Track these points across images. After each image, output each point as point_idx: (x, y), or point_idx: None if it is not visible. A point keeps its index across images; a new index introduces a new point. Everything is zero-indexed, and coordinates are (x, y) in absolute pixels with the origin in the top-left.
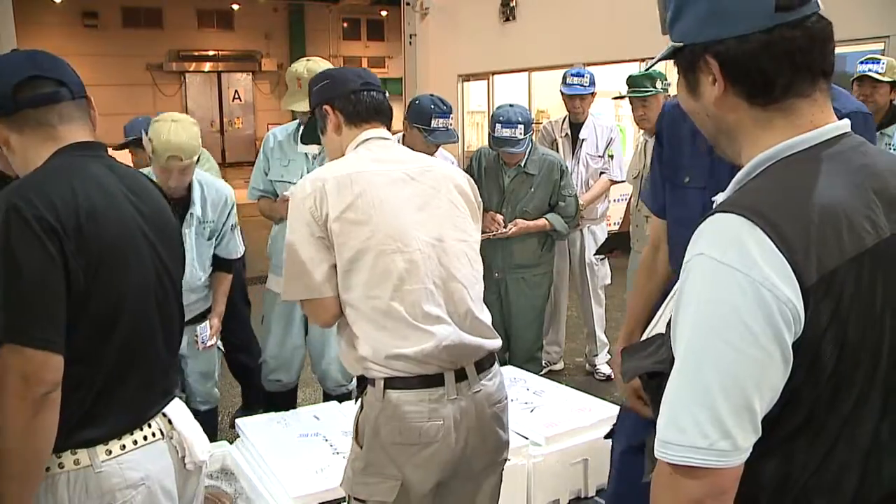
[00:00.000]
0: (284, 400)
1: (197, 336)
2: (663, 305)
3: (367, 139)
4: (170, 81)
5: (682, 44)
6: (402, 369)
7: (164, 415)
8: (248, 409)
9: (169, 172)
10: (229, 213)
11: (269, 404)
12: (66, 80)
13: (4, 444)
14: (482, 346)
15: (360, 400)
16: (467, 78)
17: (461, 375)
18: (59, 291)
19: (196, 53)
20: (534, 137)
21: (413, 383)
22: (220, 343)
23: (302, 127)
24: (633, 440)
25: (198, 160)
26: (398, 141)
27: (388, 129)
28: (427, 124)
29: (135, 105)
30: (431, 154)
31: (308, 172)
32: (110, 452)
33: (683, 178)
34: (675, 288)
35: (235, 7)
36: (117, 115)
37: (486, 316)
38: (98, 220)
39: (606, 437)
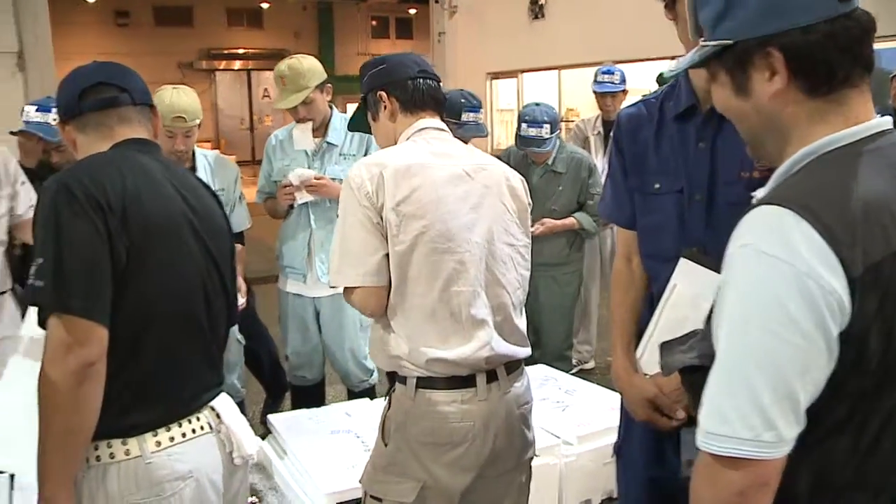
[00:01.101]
0: (312, 396)
1: None
2: (657, 311)
3: (424, 128)
4: (200, 79)
5: (731, 41)
6: (438, 371)
7: (213, 408)
8: (275, 402)
9: (174, 136)
10: (236, 183)
11: (296, 400)
12: (128, 87)
13: (48, 414)
14: (514, 353)
15: (388, 397)
16: (496, 76)
17: (492, 376)
18: (104, 265)
19: (226, 52)
20: (562, 136)
21: (446, 384)
22: (239, 335)
23: (296, 125)
24: (644, 472)
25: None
26: None
27: (442, 118)
28: (457, 118)
29: None
30: None
31: (308, 169)
32: (160, 444)
33: (653, 185)
34: (667, 291)
35: (265, 6)
36: None
37: (522, 323)
38: (143, 204)
39: (614, 451)
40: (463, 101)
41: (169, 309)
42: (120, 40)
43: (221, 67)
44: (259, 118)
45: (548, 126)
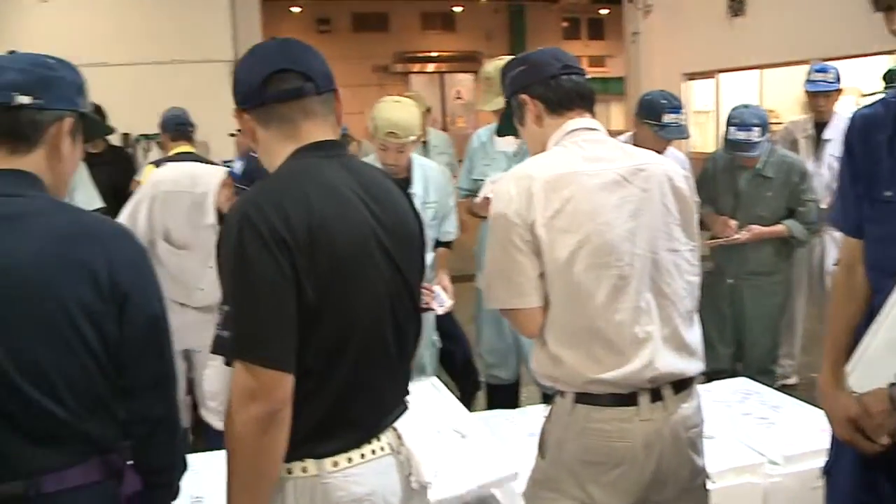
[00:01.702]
0: (506, 396)
1: (434, 300)
2: (875, 326)
3: (574, 130)
4: (395, 82)
5: None
6: (596, 390)
7: (395, 429)
8: (467, 400)
9: (386, 150)
10: (451, 194)
11: (490, 399)
12: (313, 73)
13: (234, 459)
14: (683, 370)
15: (549, 408)
16: (692, 76)
17: (656, 395)
18: (290, 308)
19: (420, 55)
20: (771, 139)
21: (605, 400)
22: (436, 338)
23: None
24: (853, 498)
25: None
26: (630, 139)
27: (593, 115)
28: (658, 119)
29: (362, 104)
30: (661, 151)
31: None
32: (337, 464)
33: (883, 192)
34: (888, 306)
35: (457, 9)
36: (346, 113)
37: (693, 334)
38: (330, 233)
39: (823, 472)
40: (664, 101)
41: (358, 337)
42: (321, 46)
43: (415, 70)
44: (451, 119)
45: (757, 129)
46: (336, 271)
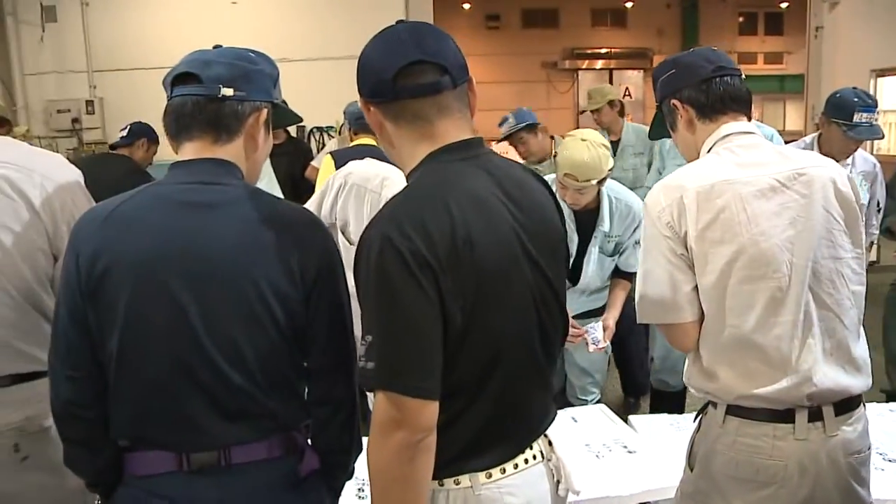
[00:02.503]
0: (672, 402)
1: (587, 335)
2: None
3: (728, 135)
4: (563, 79)
5: None
6: (749, 404)
7: (546, 435)
8: (634, 401)
9: (565, 189)
10: (635, 229)
11: (655, 403)
12: (448, 65)
13: (380, 489)
14: (847, 388)
15: (699, 418)
16: (882, 73)
17: (816, 415)
18: (436, 335)
19: (589, 51)
20: None
21: (758, 414)
22: (609, 347)
23: None
24: None
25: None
26: (815, 140)
27: (749, 117)
28: (848, 119)
29: (528, 101)
30: (851, 152)
31: None
32: (490, 476)
33: None
34: None
35: (629, 5)
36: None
37: (860, 348)
38: (476, 248)
39: None
40: (856, 99)
41: (507, 351)
42: (489, 42)
43: (584, 67)
44: None
45: None
46: (482, 287)
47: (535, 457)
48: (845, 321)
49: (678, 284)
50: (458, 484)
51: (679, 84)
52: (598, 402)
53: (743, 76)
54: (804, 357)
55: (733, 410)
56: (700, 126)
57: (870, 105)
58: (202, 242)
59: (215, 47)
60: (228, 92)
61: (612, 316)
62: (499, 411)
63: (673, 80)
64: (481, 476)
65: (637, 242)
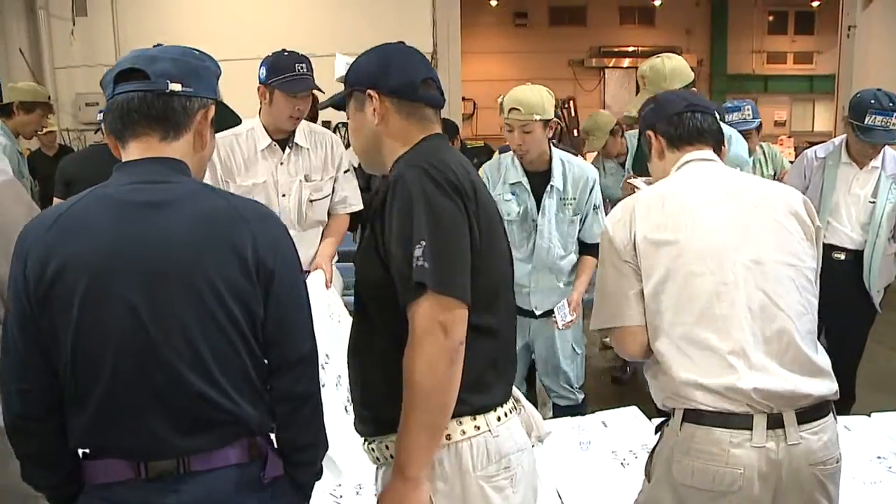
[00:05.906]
0: None
1: (555, 314)
2: None
3: (688, 161)
4: (590, 76)
5: None
6: (703, 401)
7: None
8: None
9: (512, 131)
10: (591, 192)
11: None
12: (441, 87)
13: (424, 393)
14: (806, 391)
15: (660, 430)
16: None
17: (776, 422)
18: (469, 246)
19: (616, 49)
20: None
21: (714, 419)
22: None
23: None
24: None
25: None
26: (843, 142)
27: (717, 151)
28: (860, 120)
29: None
30: (869, 155)
31: None
32: (500, 419)
33: None
34: None
35: (657, 3)
36: None
37: (817, 355)
38: (479, 193)
39: None
40: (872, 101)
41: (504, 293)
42: (517, 39)
43: (611, 65)
44: None
45: None
46: (489, 226)
47: (517, 401)
48: (798, 325)
49: (624, 290)
50: (478, 430)
51: (655, 119)
52: (582, 402)
53: (716, 114)
54: (753, 354)
55: (690, 416)
56: (669, 155)
57: (886, 109)
58: (154, 242)
59: (156, 45)
60: (176, 87)
61: (577, 291)
62: (499, 349)
63: (651, 114)
64: (493, 419)
65: (595, 207)
